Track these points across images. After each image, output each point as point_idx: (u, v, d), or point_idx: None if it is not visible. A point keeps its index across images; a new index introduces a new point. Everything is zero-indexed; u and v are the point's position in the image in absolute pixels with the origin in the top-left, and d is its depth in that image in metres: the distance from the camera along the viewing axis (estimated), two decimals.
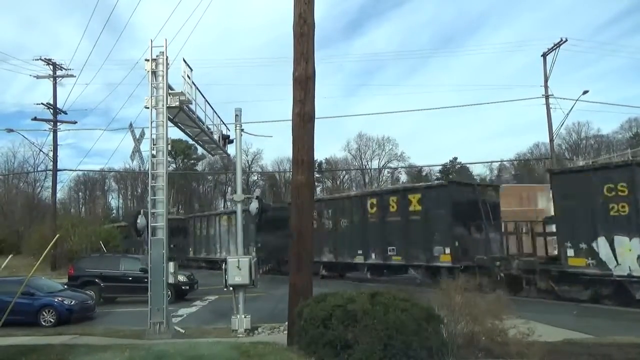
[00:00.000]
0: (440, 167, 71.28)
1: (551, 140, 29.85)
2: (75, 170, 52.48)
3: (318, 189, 71.86)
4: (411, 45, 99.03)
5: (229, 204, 69.01)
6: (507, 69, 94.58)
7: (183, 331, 10.83)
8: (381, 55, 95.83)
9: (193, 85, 11.86)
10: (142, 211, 11.72)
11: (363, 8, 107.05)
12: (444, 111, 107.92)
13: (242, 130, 12.47)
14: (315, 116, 9.56)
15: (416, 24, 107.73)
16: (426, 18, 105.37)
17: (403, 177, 75.05)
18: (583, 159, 49.29)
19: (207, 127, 13.18)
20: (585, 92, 28.23)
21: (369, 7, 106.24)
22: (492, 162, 75.27)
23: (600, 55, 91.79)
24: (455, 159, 72.38)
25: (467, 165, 70.69)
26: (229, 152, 15.14)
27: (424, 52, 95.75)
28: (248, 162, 72.48)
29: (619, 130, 61.93)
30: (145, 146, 11.65)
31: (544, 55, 29.20)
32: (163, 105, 10.98)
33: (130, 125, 12.69)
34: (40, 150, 36.22)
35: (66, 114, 32.54)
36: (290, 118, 9.47)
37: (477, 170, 71.70)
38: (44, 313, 13.13)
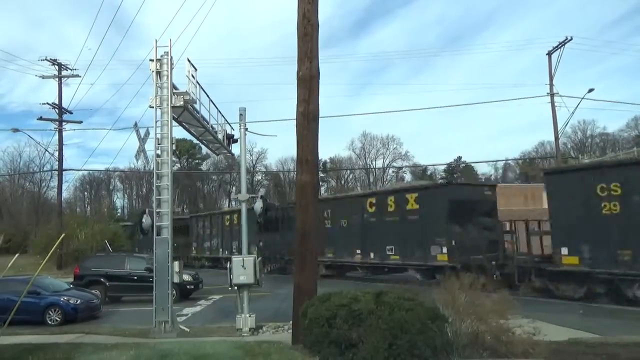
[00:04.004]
0: (445, 166, 71.25)
1: (556, 138, 29.70)
2: (81, 170, 52.98)
3: (322, 189, 71.90)
4: (418, 44, 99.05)
5: (233, 203, 69.16)
6: (513, 68, 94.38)
7: (188, 330, 10.86)
8: (387, 55, 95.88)
9: (197, 85, 11.88)
10: (147, 211, 11.76)
11: (369, 7, 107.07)
12: (449, 110, 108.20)
13: (246, 129, 12.49)
14: (320, 115, 9.56)
15: (423, 23, 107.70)
16: (433, 17, 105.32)
17: (407, 177, 75.03)
18: (588, 158, 49.06)
19: (211, 126, 13.21)
20: (590, 91, 28.10)
21: (376, 6, 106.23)
22: (496, 161, 75.16)
23: (606, 54, 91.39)
24: (460, 158, 72.32)
25: (472, 164, 70.55)
26: (233, 151, 15.17)
27: (430, 51, 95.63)
28: (252, 162, 72.68)
29: (625, 129, 61.74)
30: (150, 146, 11.69)
31: (549, 54, 29.08)
32: (167, 105, 11.01)
33: (135, 124, 12.74)
34: (46, 150, 36.50)
35: (71, 113, 32.70)
36: (295, 117, 9.48)
37: (482, 169, 71.52)
38: (50, 312, 13.20)
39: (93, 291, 15.70)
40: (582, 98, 28.09)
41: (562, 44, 28.30)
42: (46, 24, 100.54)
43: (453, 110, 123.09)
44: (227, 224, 30.89)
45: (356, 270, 21.82)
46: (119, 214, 73.20)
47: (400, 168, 73.93)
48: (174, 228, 35.01)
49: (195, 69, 11.62)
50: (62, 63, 32.39)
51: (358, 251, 20.25)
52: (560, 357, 7.34)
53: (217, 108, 13.52)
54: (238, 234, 26.16)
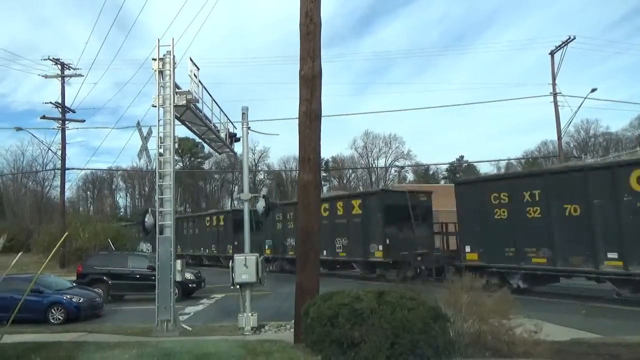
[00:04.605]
0: (447, 165, 71.22)
1: (559, 138, 29.66)
2: (84, 169, 52.85)
3: (325, 188, 71.93)
4: (420, 43, 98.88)
5: (236, 202, 69.27)
6: (516, 67, 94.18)
7: (190, 329, 10.88)
8: (390, 54, 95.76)
9: (200, 84, 11.90)
10: (149, 210, 11.78)
11: (372, 5, 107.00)
12: (452, 109, 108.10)
13: (248, 128, 12.50)
14: (322, 114, 9.55)
15: (425, 22, 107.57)
16: (435, 16, 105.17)
17: (410, 176, 74.98)
18: (591, 157, 48.92)
19: (213, 125, 13.23)
20: (593, 90, 28.04)
21: (378, 5, 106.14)
22: (499, 160, 74.98)
23: (609, 53, 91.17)
24: (462, 157, 72.28)
25: (474, 164, 70.46)
26: (235, 150, 15.19)
27: (432, 51, 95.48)
28: (255, 161, 72.73)
29: (628, 128, 61.47)
30: (152, 144, 11.72)
31: (552, 53, 29.01)
32: (170, 104, 11.03)
33: (138, 123, 12.75)
34: (49, 149, 36.49)
35: (74, 112, 32.82)
36: (297, 116, 9.48)
37: (485, 169, 71.39)
38: (53, 310, 13.24)
39: (96, 290, 15.73)
40: (585, 98, 28.06)
41: (565, 43, 28.23)
42: (49, 23, 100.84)
43: (455, 110, 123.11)
44: (327, 214, 22.60)
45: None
46: (121, 213, 73.44)
47: (402, 167, 73.96)
48: (233, 222, 28.77)
49: (198, 68, 11.64)
50: (65, 62, 32.57)
51: (611, 255, 12.82)
52: (563, 357, 7.33)
53: (219, 107, 13.55)
54: (345, 228, 21.71)
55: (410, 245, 19.48)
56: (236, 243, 29.97)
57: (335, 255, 22.06)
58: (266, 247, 27.25)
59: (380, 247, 19.73)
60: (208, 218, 35.38)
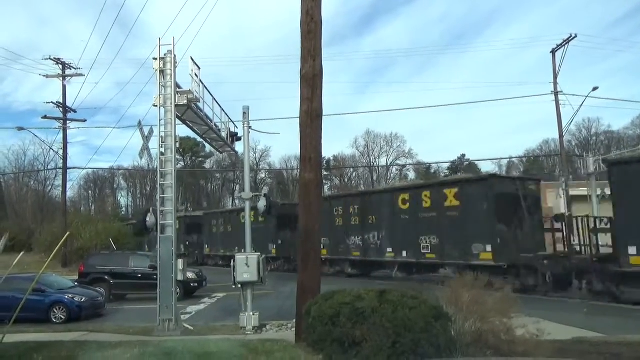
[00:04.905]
0: (449, 164, 71.14)
1: (561, 136, 29.61)
2: (85, 169, 52.92)
3: (326, 187, 71.91)
4: (421, 42, 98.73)
5: (237, 201, 69.31)
6: (517, 66, 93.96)
7: (192, 328, 10.89)
8: (391, 53, 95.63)
9: (201, 84, 11.91)
10: (151, 209, 11.80)
11: (373, 4, 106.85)
12: (453, 108, 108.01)
13: (249, 127, 12.50)
14: (323, 113, 9.55)
15: (426, 21, 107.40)
16: (437, 14, 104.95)
17: (411, 175, 74.96)
18: (593, 156, 48.81)
19: (215, 124, 13.24)
20: (595, 89, 27.94)
21: (380, 4, 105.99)
22: (500, 159, 74.89)
23: (611, 51, 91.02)
24: (464, 155, 72.15)
25: (476, 162, 70.39)
26: (236, 149, 15.19)
27: (433, 49, 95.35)
28: (256, 160, 72.68)
29: (630, 127, 61.29)
30: (154, 144, 11.73)
31: (553, 52, 28.92)
32: (171, 104, 11.03)
33: (139, 123, 12.75)
34: (51, 149, 36.54)
35: (76, 112, 32.85)
36: (298, 115, 9.48)
37: (486, 167, 71.33)
38: (55, 310, 13.25)
39: (97, 289, 15.75)
40: (587, 96, 27.95)
41: (567, 41, 28.11)
42: (50, 22, 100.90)
43: (457, 108, 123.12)
44: (406, 207, 19.19)
45: None
46: (123, 213, 73.48)
47: (403, 166, 73.88)
48: (276, 218, 24.93)
49: (199, 68, 11.64)
50: (66, 62, 32.57)
51: None
52: (564, 356, 7.32)
53: (220, 106, 13.55)
54: (434, 225, 17.81)
55: (524, 245, 15.88)
56: (280, 242, 26.90)
57: (419, 257, 18.32)
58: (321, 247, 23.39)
59: (489, 248, 15.84)
60: (243, 214, 31.58)
